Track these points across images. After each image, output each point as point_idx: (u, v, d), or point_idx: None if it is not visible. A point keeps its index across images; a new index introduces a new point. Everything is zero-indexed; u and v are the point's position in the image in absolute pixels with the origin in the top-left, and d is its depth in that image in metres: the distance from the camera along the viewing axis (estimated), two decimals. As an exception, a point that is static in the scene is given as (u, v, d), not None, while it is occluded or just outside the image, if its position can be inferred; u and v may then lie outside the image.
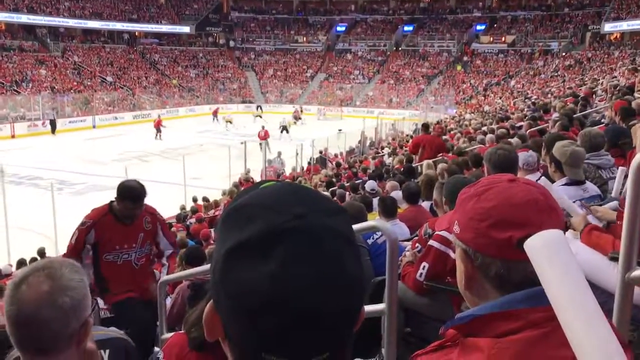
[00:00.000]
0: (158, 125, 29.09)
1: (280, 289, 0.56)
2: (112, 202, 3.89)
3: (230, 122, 32.66)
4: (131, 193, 3.79)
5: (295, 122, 33.16)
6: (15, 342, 1.16)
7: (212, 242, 8.47)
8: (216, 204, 13.23)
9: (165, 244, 4.12)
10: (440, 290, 2.75)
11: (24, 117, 31.59)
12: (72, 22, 44.49)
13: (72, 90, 37.31)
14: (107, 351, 1.83)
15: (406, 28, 51.19)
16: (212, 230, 9.45)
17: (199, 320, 1.55)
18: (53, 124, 30.70)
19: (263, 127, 25.18)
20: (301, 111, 38.30)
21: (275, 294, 0.56)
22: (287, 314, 0.56)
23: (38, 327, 1.13)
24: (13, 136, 28.94)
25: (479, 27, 48.85)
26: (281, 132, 28.84)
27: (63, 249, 10.84)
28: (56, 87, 37.00)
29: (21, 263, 9.34)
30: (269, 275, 0.57)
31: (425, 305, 2.87)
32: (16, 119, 30.92)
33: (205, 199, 13.78)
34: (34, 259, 8.78)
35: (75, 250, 3.78)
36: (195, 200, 13.99)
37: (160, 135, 28.71)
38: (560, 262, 0.79)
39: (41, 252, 9.81)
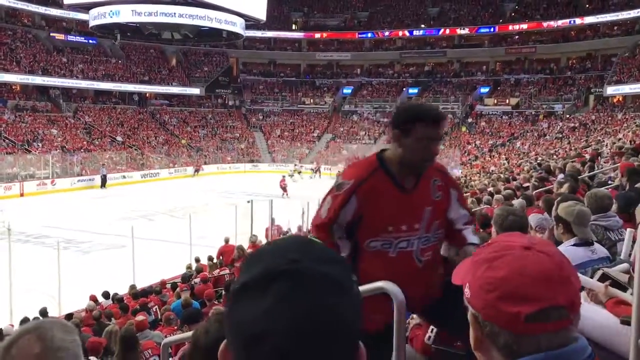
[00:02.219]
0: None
1: (270, 322, 0.63)
2: (382, 151, 2.50)
3: (299, 173, 36.91)
4: (429, 113, 2.33)
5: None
6: None
7: (215, 302, 8.38)
8: (221, 263, 13.12)
9: (461, 215, 2.49)
10: (449, 354, 2.68)
11: (34, 175, 31.99)
12: (84, 84, 45.65)
13: (81, 150, 37.87)
14: None
15: (411, 90, 52.16)
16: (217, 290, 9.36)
17: None
18: (104, 179, 33.35)
19: (284, 177, 28.65)
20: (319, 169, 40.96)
21: (264, 327, 0.63)
22: (274, 346, 0.62)
23: None
24: (22, 194, 29.20)
25: (483, 90, 49.75)
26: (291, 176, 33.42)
27: (67, 309, 10.71)
28: (66, 147, 37.58)
29: (24, 322, 9.22)
30: (261, 311, 0.64)
31: (433, 369, 2.79)
32: (25, 177, 31.30)
33: (209, 258, 13.69)
34: (35, 319, 8.67)
35: (325, 227, 2.29)
36: (198, 260, 13.88)
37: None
38: None
39: (43, 313, 9.68)
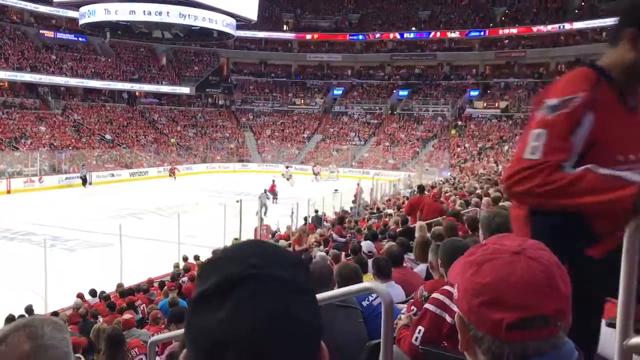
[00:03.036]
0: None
1: (230, 330, 0.62)
2: (592, 61, 1.89)
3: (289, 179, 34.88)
4: None
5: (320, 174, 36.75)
6: None
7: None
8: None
9: None
10: (436, 355, 2.69)
11: (21, 173, 31.70)
12: (73, 82, 45.32)
13: (70, 147, 37.59)
14: None
15: (401, 92, 52.36)
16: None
17: None
18: (84, 179, 32.76)
19: (273, 181, 27.19)
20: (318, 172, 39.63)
21: (225, 335, 0.62)
22: (236, 353, 0.62)
23: None
24: (9, 192, 28.94)
25: (472, 93, 50.02)
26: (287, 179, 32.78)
27: (53, 307, 10.62)
28: (55, 144, 37.28)
29: (10, 320, 9.12)
30: (221, 319, 0.63)
31: (420, 370, 2.80)
32: (13, 174, 31.01)
33: (196, 257, 13.64)
34: (21, 317, 8.59)
35: (550, 173, 1.51)
36: (186, 259, 13.83)
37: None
38: None
39: (29, 310, 9.59)
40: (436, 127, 47.85)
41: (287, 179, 34.03)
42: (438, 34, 52.73)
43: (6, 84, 42.26)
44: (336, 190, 24.71)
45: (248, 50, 57.38)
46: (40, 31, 46.80)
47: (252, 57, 57.74)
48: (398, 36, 54.30)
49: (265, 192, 23.52)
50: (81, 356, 4.00)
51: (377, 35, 55.17)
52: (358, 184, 24.86)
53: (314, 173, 38.58)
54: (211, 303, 0.65)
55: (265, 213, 20.61)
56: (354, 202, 22.64)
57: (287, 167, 38.00)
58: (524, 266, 0.89)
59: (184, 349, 1.45)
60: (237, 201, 18.06)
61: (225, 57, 57.18)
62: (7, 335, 1.11)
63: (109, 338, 5.40)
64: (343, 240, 10.22)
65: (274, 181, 27.92)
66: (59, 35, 47.99)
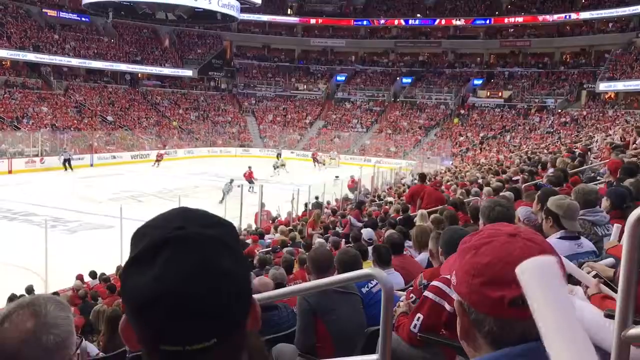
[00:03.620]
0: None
1: (160, 286, 0.67)
2: None
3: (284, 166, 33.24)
4: None
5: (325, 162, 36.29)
6: None
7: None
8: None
9: None
10: (434, 342, 2.71)
11: (22, 153, 31.70)
12: (75, 62, 45.14)
13: (71, 128, 37.55)
14: None
15: (405, 80, 52.13)
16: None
17: None
18: (69, 162, 31.29)
19: (250, 168, 25.99)
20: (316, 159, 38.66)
21: (156, 291, 0.67)
22: (168, 306, 0.66)
23: None
24: (10, 172, 28.94)
25: (476, 82, 49.81)
26: (275, 168, 31.61)
27: (53, 287, 10.69)
28: (56, 125, 37.24)
29: (12, 299, 9.19)
30: (152, 277, 0.67)
31: (418, 357, 2.82)
32: (14, 154, 31.01)
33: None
34: (22, 297, 8.64)
35: None
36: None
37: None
38: (551, 287, 0.75)
39: (29, 290, 9.66)
40: (439, 115, 47.72)
41: (280, 167, 32.62)
42: (443, 22, 52.36)
43: (8, 63, 42.09)
44: (337, 177, 24.71)
45: (251, 33, 57.06)
46: (43, 10, 46.51)
47: (256, 41, 57.44)
48: (403, 23, 53.94)
49: (230, 182, 21.86)
50: (81, 337, 4.04)
51: (382, 22, 54.81)
52: (352, 176, 24.42)
53: (314, 161, 37.89)
54: (141, 266, 0.69)
55: (221, 201, 20.40)
56: (347, 194, 22.52)
57: (278, 155, 36.93)
58: (521, 246, 0.91)
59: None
60: (238, 186, 18.10)
61: (228, 40, 56.87)
62: (11, 313, 1.12)
63: (109, 319, 5.44)
64: (360, 225, 10.16)
65: (250, 168, 26.74)
66: (62, 14, 47.71)
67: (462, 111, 47.59)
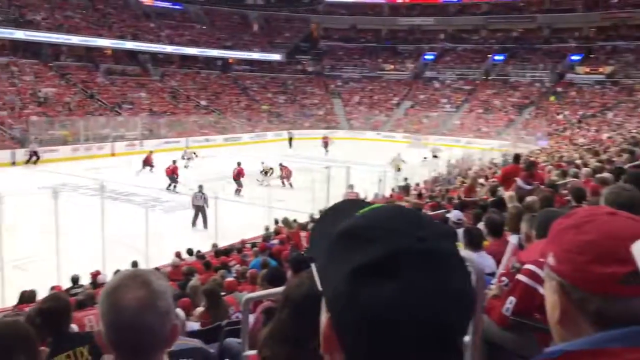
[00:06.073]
0: (149, 162, 24.98)
1: (407, 307, 0.61)
2: None
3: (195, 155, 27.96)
4: None
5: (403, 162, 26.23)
6: (113, 346, 1.20)
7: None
8: (300, 226, 13.35)
9: None
10: (526, 326, 2.65)
11: (123, 136, 33.67)
12: (170, 49, 47.13)
13: (167, 113, 39.37)
14: None
15: (497, 57, 50.23)
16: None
17: (268, 341, 1.58)
18: (31, 155, 27.23)
19: (239, 164, 21.75)
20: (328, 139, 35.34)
21: (402, 312, 0.61)
22: (411, 330, 0.61)
23: (140, 332, 1.18)
24: (113, 154, 30.84)
25: (574, 58, 47.06)
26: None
27: (154, 263, 11.32)
28: (154, 110, 39.16)
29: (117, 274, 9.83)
30: (399, 296, 0.61)
31: (509, 340, 2.77)
32: (116, 138, 33.00)
33: (285, 221, 14.00)
34: (126, 271, 9.20)
35: None
36: (276, 222, 14.24)
37: (151, 170, 24.49)
38: None
39: (134, 265, 10.29)
40: (533, 93, 45.66)
41: (266, 174, 23.93)
42: (538, -5, 49.81)
43: (110, 52, 44.60)
44: (425, 158, 24.35)
45: (338, 15, 56.96)
46: (140, 0, 48.78)
47: (342, 22, 57.32)
48: (495, -2, 51.85)
49: (200, 190, 16.83)
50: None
51: (472, -3, 52.99)
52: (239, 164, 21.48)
53: (325, 145, 34.12)
54: (378, 276, 0.63)
55: (203, 219, 16.56)
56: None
57: (262, 163, 25.05)
58: (624, 223, 0.88)
59: (284, 309, 1.53)
60: (326, 167, 18.27)
61: (315, 23, 57.15)
62: (121, 283, 1.21)
63: (208, 292, 5.73)
64: (529, 187, 9.62)
65: (239, 164, 21.86)
66: (157, 3, 49.90)
67: (559, 89, 45.22)
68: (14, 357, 2.28)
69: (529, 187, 9.37)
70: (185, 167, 24.46)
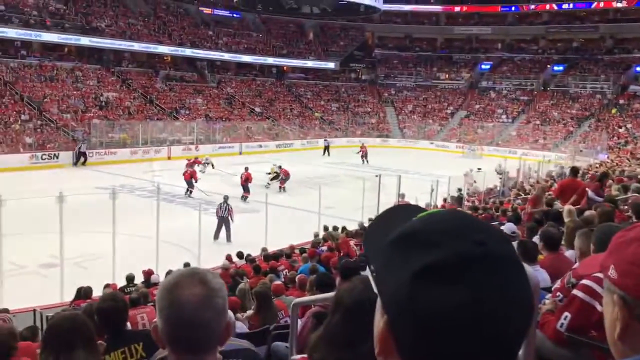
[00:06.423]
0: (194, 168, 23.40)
1: (473, 314, 0.61)
2: None
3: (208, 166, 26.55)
4: None
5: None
6: (169, 341, 1.22)
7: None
8: (348, 234, 13.34)
9: None
10: (583, 343, 2.57)
11: (180, 141, 34.57)
12: (227, 56, 48.07)
13: (223, 119, 40.16)
14: None
15: (556, 68, 48.93)
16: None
17: (319, 344, 1.59)
18: (79, 156, 28.30)
19: (246, 169, 21.13)
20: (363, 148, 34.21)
21: (468, 319, 0.60)
22: (475, 337, 0.61)
23: (197, 328, 1.20)
24: (169, 158, 31.69)
25: (639, 69, 45.28)
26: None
27: (205, 265, 11.53)
28: (209, 115, 40.03)
29: (169, 274, 10.05)
30: (462, 301, 0.61)
31: (564, 357, 2.69)
32: (173, 142, 33.92)
33: (335, 228, 14.01)
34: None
35: None
36: (326, 229, 14.26)
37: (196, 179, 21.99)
38: None
39: (186, 266, 10.52)
40: (594, 105, 44.19)
41: (274, 175, 24.38)
42: (601, 4, 48.21)
43: (169, 59, 45.91)
44: (479, 168, 23.91)
45: (393, 24, 56.81)
46: (200, 8, 50.05)
47: (398, 31, 57.12)
48: (555, 7, 50.51)
49: (225, 201, 15.73)
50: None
51: (532, 7, 51.79)
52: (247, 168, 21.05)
53: (363, 156, 33.13)
54: (441, 280, 0.62)
55: (227, 232, 15.61)
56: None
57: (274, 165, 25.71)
58: None
59: (335, 313, 1.54)
60: (376, 175, 18.19)
61: (370, 32, 57.18)
62: (180, 280, 1.23)
63: (259, 294, 5.80)
64: (600, 199, 9.37)
65: (247, 169, 21.26)
66: (216, 11, 51.03)
67: (622, 101, 43.59)
68: (75, 349, 2.39)
69: (600, 199, 8.99)
70: (200, 171, 24.48)
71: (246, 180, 20.79)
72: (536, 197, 11.32)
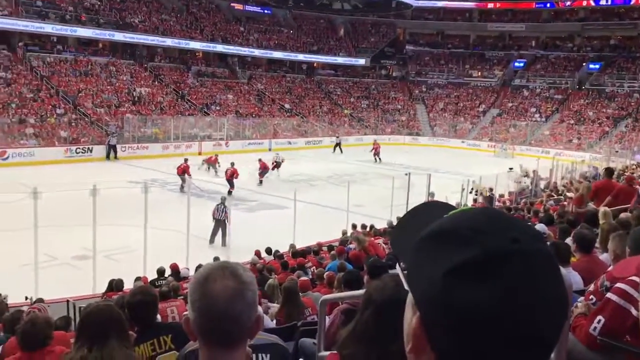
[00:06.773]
0: (214, 162, 25.57)
1: (507, 310, 0.61)
2: None
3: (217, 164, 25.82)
4: None
5: None
6: (201, 333, 1.23)
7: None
8: (375, 233, 13.31)
9: None
10: (616, 348, 2.51)
11: (210, 136, 34.91)
12: (258, 52, 48.31)
13: (253, 115, 40.41)
14: (268, 355, 1.95)
15: (592, 66, 47.87)
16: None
17: (348, 340, 1.60)
18: (109, 149, 28.96)
19: (232, 165, 21.05)
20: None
21: (502, 315, 0.61)
22: (509, 334, 0.61)
23: (229, 320, 1.21)
24: (200, 153, 31.97)
25: (679, 67, 44.07)
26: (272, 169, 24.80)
27: (233, 260, 11.64)
28: (240, 111, 40.31)
29: (199, 268, 10.16)
30: (496, 298, 0.61)
31: (597, 362, 2.64)
32: (203, 138, 34.26)
33: (363, 226, 13.98)
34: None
35: None
36: (354, 227, 14.24)
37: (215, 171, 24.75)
38: None
39: (216, 260, 10.63)
40: (632, 105, 43.11)
41: (278, 164, 25.60)
42: (641, 0, 47.01)
43: (201, 54, 46.34)
44: (511, 168, 23.58)
45: (425, 20, 56.30)
46: (231, 4, 50.38)
47: (429, 28, 56.61)
48: (592, 3, 49.40)
49: (222, 203, 15.09)
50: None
51: (568, 3, 50.73)
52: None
53: (376, 154, 32.50)
54: (474, 277, 0.62)
55: (223, 236, 14.87)
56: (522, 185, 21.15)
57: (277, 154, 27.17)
58: None
59: (365, 310, 1.54)
60: (406, 174, 18.09)
61: (401, 28, 56.76)
62: (212, 273, 1.25)
63: (286, 290, 5.83)
64: None
65: (233, 164, 21.13)
66: (248, 7, 51.30)
67: (661, 100, 42.47)
68: (109, 339, 2.48)
69: None
70: (207, 169, 25.44)
71: (232, 176, 20.75)
72: (581, 196, 11.00)
